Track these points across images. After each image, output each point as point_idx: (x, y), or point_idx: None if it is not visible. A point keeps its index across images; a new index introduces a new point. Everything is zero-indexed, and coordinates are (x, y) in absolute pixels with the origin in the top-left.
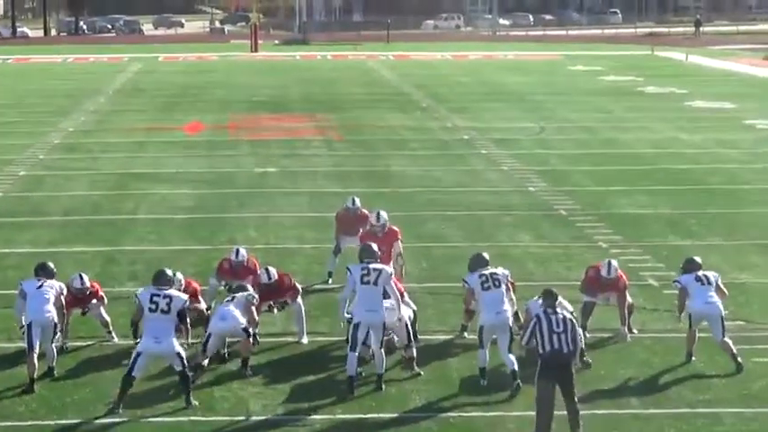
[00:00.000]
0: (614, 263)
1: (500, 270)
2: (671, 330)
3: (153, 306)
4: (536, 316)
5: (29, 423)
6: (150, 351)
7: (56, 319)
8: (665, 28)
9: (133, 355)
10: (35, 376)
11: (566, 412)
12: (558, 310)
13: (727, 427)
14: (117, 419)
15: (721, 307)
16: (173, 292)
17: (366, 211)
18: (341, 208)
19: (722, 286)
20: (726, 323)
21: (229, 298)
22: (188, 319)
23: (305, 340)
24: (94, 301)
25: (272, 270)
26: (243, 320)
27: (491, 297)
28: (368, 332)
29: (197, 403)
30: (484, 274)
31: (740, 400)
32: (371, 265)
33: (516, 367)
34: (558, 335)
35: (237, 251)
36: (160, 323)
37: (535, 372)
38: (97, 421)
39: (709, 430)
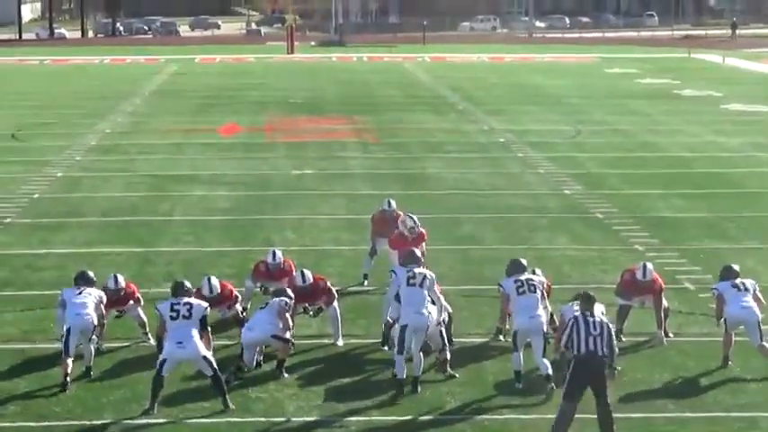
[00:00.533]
0: (650, 266)
1: (537, 276)
2: (707, 334)
3: (174, 314)
4: (573, 317)
5: (65, 423)
6: (175, 356)
7: (95, 322)
8: (701, 30)
9: (158, 362)
10: (68, 379)
11: (595, 415)
12: (596, 313)
13: (763, 431)
14: (153, 420)
15: (758, 312)
16: (192, 300)
17: (402, 213)
18: (377, 210)
19: (759, 294)
20: (763, 327)
21: (263, 305)
22: (209, 328)
23: (340, 342)
24: (131, 302)
25: (308, 273)
26: (275, 328)
27: (526, 302)
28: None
29: (233, 406)
30: (519, 280)
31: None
32: (416, 269)
33: (550, 371)
34: (594, 337)
35: (274, 253)
36: (182, 329)
37: (567, 374)
38: (133, 422)
39: None
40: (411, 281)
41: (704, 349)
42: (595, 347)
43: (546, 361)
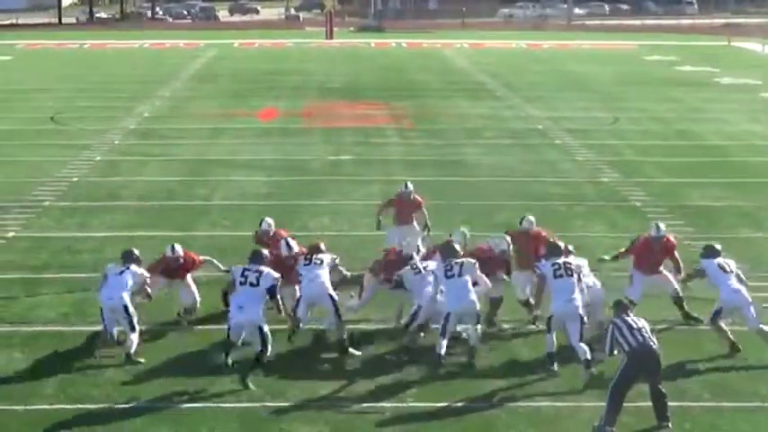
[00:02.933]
0: (662, 224)
1: (574, 260)
2: (741, 324)
3: (243, 279)
4: (612, 322)
5: (101, 406)
6: (234, 319)
7: (126, 302)
8: (742, 19)
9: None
10: (102, 354)
11: (650, 403)
12: (631, 314)
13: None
14: (193, 405)
15: (747, 294)
16: (264, 268)
17: (419, 198)
18: (395, 194)
19: (743, 276)
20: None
21: (317, 261)
22: (279, 296)
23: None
24: (188, 275)
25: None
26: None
27: (562, 285)
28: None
29: (254, 387)
30: (557, 263)
31: None
32: (453, 261)
33: (589, 356)
34: (638, 330)
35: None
36: (246, 294)
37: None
38: (171, 406)
39: (742, 425)
40: (449, 273)
41: (740, 338)
42: (644, 338)
43: (584, 345)
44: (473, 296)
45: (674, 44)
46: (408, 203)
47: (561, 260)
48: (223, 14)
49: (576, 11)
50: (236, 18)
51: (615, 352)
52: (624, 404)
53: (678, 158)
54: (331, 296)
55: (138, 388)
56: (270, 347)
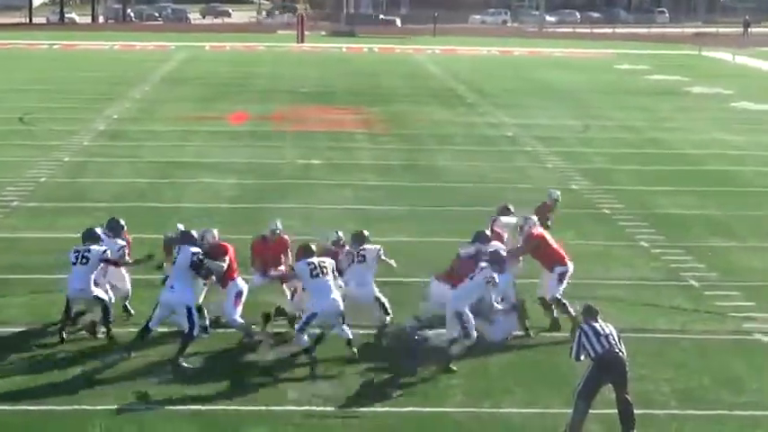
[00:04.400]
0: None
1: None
2: (710, 332)
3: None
4: (579, 328)
5: (63, 408)
6: (164, 298)
7: (93, 293)
8: (713, 28)
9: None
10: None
11: (615, 410)
12: (600, 320)
13: (764, 430)
14: (150, 408)
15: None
16: (192, 248)
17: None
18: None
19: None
20: (767, 326)
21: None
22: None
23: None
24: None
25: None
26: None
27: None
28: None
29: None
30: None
31: None
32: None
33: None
34: (605, 336)
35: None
36: (176, 274)
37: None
38: (136, 408)
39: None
40: (314, 272)
41: (707, 347)
42: (611, 345)
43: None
44: (336, 296)
45: (646, 53)
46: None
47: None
48: (194, 17)
49: (548, 18)
50: (208, 21)
51: (582, 357)
52: (590, 411)
53: (649, 167)
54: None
55: (100, 389)
56: (197, 330)
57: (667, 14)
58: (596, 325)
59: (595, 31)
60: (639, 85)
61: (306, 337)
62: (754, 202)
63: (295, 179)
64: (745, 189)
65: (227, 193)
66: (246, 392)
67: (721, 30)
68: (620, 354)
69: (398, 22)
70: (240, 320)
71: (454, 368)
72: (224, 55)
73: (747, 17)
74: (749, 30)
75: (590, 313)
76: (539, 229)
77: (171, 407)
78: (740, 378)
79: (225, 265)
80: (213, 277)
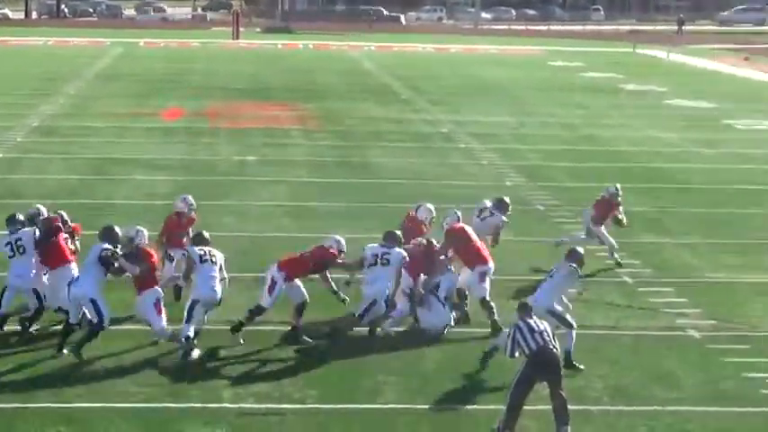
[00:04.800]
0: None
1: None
2: (644, 328)
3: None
4: (514, 325)
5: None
6: (71, 293)
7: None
8: (647, 26)
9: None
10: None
11: (549, 406)
12: (534, 317)
13: (696, 425)
14: (88, 404)
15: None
16: (105, 245)
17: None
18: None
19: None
20: (699, 322)
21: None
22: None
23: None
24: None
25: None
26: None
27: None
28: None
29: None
30: (204, 249)
31: (710, 398)
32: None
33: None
34: (540, 333)
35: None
36: (83, 268)
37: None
38: (66, 404)
39: (679, 428)
40: (203, 258)
41: (640, 343)
42: (545, 342)
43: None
44: (218, 287)
45: (581, 50)
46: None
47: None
48: (129, 13)
49: (484, 15)
50: (143, 17)
51: (516, 354)
52: (524, 407)
53: (583, 163)
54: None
55: (32, 386)
56: (106, 322)
57: (602, 12)
58: (531, 322)
59: (531, 28)
60: (574, 82)
61: (192, 328)
62: (687, 198)
63: (230, 176)
64: (678, 186)
65: (161, 190)
66: (182, 390)
67: (655, 28)
68: (555, 350)
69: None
70: (168, 331)
71: (581, 366)
72: (159, 51)
73: (682, 15)
74: (683, 28)
75: (524, 310)
76: (458, 224)
77: (107, 404)
78: (673, 374)
79: (138, 270)
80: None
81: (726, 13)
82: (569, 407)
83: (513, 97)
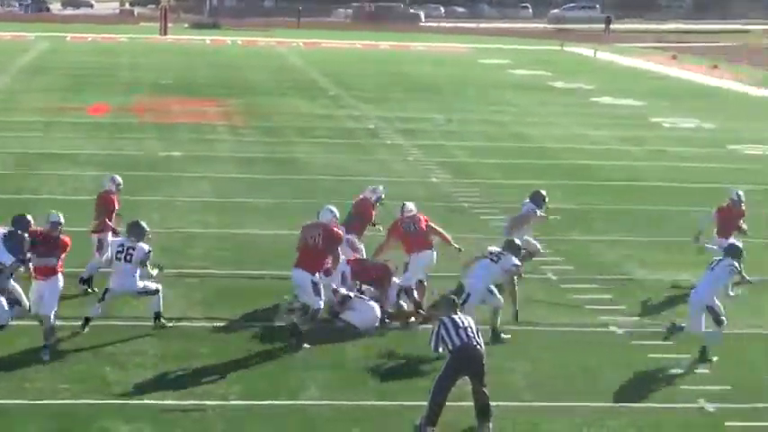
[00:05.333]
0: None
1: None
2: (567, 324)
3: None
4: (439, 320)
5: None
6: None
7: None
8: (574, 24)
9: None
10: None
11: (471, 402)
12: (459, 313)
13: (619, 421)
14: (4, 401)
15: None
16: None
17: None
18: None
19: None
20: (622, 318)
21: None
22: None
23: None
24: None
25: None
26: None
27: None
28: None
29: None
30: (122, 244)
31: (633, 394)
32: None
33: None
34: (464, 329)
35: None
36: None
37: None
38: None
39: (601, 424)
40: (119, 255)
41: (563, 339)
42: (469, 338)
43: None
44: (129, 281)
45: (509, 48)
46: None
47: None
48: (56, 7)
49: (412, 11)
50: (70, 11)
51: (440, 349)
52: (447, 403)
53: (510, 160)
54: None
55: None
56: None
57: (530, 10)
58: (456, 317)
59: (460, 25)
60: (502, 79)
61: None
62: (612, 196)
63: (156, 171)
64: (604, 183)
65: (87, 186)
66: (104, 387)
67: (583, 26)
68: (478, 346)
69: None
70: (52, 321)
71: (714, 358)
72: (85, 46)
73: (609, 15)
74: (610, 26)
75: (450, 305)
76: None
77: (28, 401)
78: (596, 370)
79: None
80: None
81: (557, 11)
82: (492, 403)
83: (441, 94)
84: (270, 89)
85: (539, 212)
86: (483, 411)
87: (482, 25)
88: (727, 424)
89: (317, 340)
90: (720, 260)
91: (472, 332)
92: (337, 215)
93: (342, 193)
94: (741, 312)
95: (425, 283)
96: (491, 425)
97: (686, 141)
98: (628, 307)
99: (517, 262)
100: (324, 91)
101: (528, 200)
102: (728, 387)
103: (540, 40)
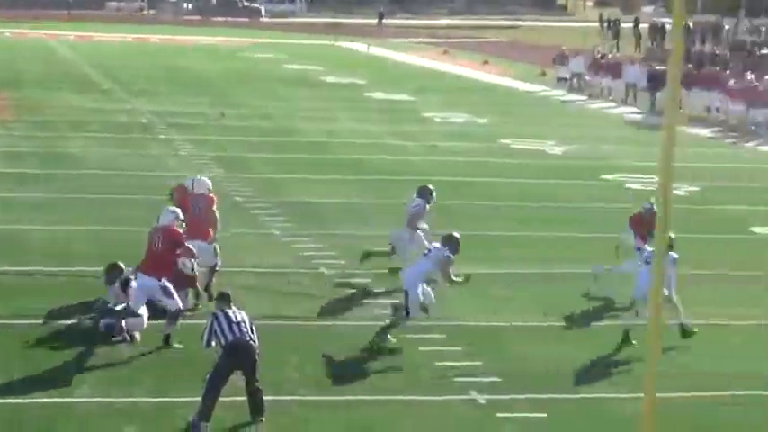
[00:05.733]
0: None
1: None
2: (341, 318)
3: None
4: (212, 314)
5: None
6: None
7: None
8: (347, 19)
9: None
10: None
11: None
12: (234, 307)
13: (390, 412)
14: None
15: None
16: None
17: None
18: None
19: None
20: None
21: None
22: None
23: None
24: None
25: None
26: None
27: None
28: None
29: None
30: None
31: (405, 387)
32: None
33: None
34: (237, 324)
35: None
36: None
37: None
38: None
39: (374, 416)
40: None
41: (337, 332)
42: (242, 333)
43: None
44: None
45: (282, 42)
46: None
47: None
48: None
49: (186, 6)
50: None
51: (213, 344)
52: (220, 398)
53: (283, 155)
54: None
55: None
56: None
57: (304, 4)
58: (229, 312)
59: (232, 19)
60: (276, 73)
61: None
62: (385, 189)
63: None
64: (376, 177)
65: None
66: (36, 383)
67: (356, 21)
68: (251, 341)
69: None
70: None
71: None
72: None
73: (382, 9)
74: (383, 21)
75: (223, 300)
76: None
77: None
78: (367, 363)
79: None
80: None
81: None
82: (266, 397)
83: (215, 88)
84: (40, 82)
85: (427, 207)
86: (256, 406)
87: (239, 19)
88: (498, 415)
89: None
90: (437, 248)
91: (246, 327)
92: (180, 216)
93: (115, 189)
94: (505, 306)
95: (218, 269)
96: (264, 419)
97: (458, 136)
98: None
99: (448, 253)
100: (96, 85)
101: (416, 195)
102: (498, 378)
103: (313, 35)
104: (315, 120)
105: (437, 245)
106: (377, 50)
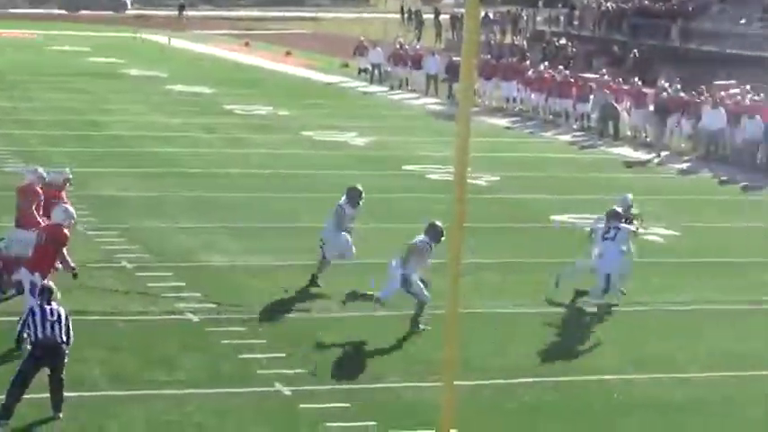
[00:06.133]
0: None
1: None
2: (143, 313)
3: None
4: (30, 308)
5: None
6: None
7: None
8: (151, 11)
9: None
10: None
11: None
12: (54, 304)
13: (193, 406)
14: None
15: None
16: None
17: None
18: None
19: None
20: (198, 305)
21: None
22: None
23: None
24: None
25: None
26: None
27: None
28: None
29: None
30: None
31: (208, 380)
32: None
33: None
34: (51, 323)
35: None
36: None
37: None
38: None
39: (177, 411)
40: None
41: (140, 328)
42: (53, 330)
43: None
44: None
45: (82, 34)
46: None
47: None
48: None
49: None
50: None
51: (24, 335)
52: (24, 396)
53: (86, 148)
54: None
55: None
56: None
57: None
58: (47, 308)
59: (24, 11)
60: (77, 66)
61: None
62: (186, 182)
63: None
64: (177, 170)
65: None
66: None
67: (158, 13)
68: (61, 343)
69: None
70: None
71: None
72: None
73: (183, 1)
74: (185, 13)
75: (44, 294)
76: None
77: None
78: (172, 357)
79: None
80: None
81: None
82: (68, 393)
83: (11, 82)
84: None
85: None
86: (57, 401)
87: (41, 11)
88: (301, 406)
89: None
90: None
91: (59, 327)
92: (74, 215)
93: None
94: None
95: None
96: (62, 415)
97: (260, 128)
98: (203, 294)
99: (424, 238)
100: None
101: (344, 196)
102: (303, 370)
103: (115, 27)
104: (117, 113)
105: (421, 237)
106: (178, 43)
